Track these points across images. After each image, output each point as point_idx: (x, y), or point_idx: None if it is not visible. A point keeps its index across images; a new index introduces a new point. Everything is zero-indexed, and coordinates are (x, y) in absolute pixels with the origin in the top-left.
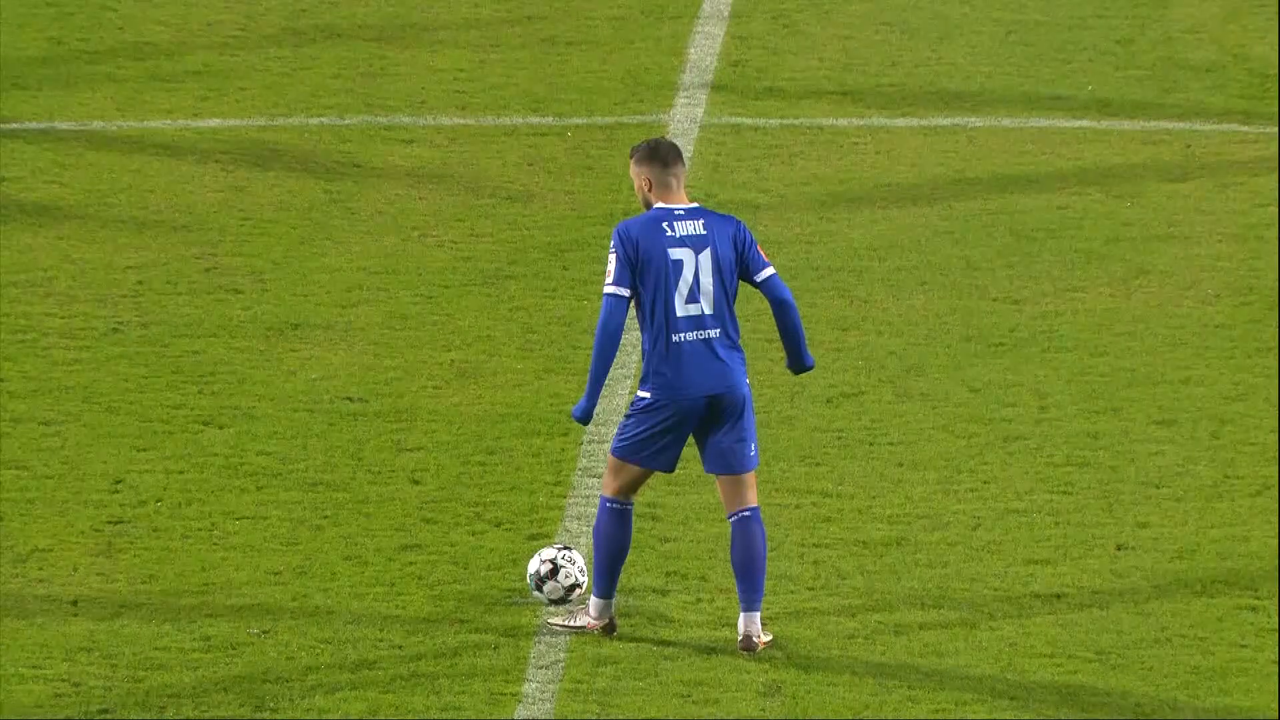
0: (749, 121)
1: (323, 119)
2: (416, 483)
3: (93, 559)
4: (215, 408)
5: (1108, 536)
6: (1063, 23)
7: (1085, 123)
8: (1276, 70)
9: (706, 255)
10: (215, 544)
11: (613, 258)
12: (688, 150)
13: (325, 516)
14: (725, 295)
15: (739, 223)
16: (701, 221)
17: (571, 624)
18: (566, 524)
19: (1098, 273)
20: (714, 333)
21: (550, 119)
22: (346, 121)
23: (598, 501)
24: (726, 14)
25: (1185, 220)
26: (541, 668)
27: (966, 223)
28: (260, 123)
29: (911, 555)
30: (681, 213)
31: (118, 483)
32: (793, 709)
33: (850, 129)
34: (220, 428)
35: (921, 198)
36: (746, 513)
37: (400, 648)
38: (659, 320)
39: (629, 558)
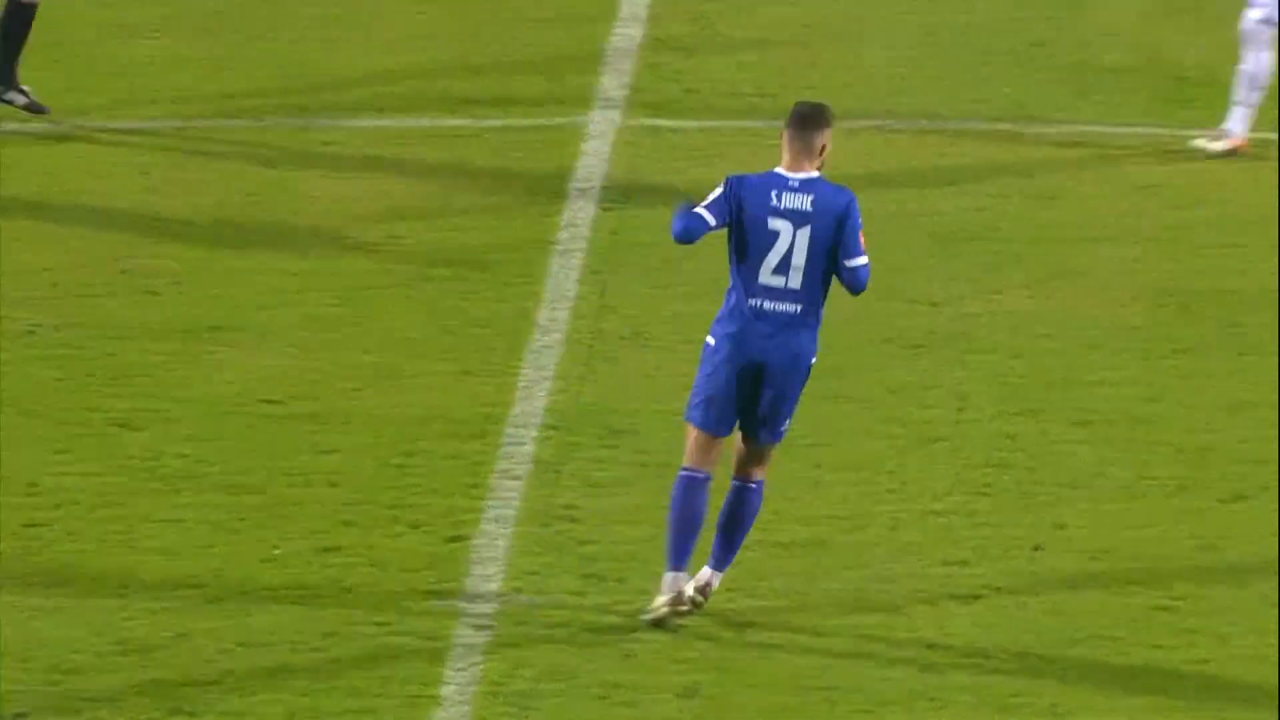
0: (668, 124)
1: (241, 120)
2: (334, 485)
3: (8, 562)
4: (132, 410)
5: (1025, 537)
6: (980, 25)
7: (1003, 125)
8: (1192, 74)
9: (805, 232)
10: (132, 547)
11: (716, 191)
12: (603, 153)
13: (242, 519)
14: (816, 273)
15: (851, 201)
16: (812, 197)
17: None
18: (485, 526)
19: (1016, 274)
20: (792, 307)
21: (468, 121)
22: (265, 123)
23: (516, 504)
24: (645, 16)
25: (1101, 222)
26: (460, 670)
27: (885, 224)
28: (178, 124)
29: (830, 557)
30: (796, 184)
31: (33, 486)
32: (711, 711)
33: (769, 131)
34: (137, 430)
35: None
36: (752, 484)
37: (318, 650)
38: (742, 280)
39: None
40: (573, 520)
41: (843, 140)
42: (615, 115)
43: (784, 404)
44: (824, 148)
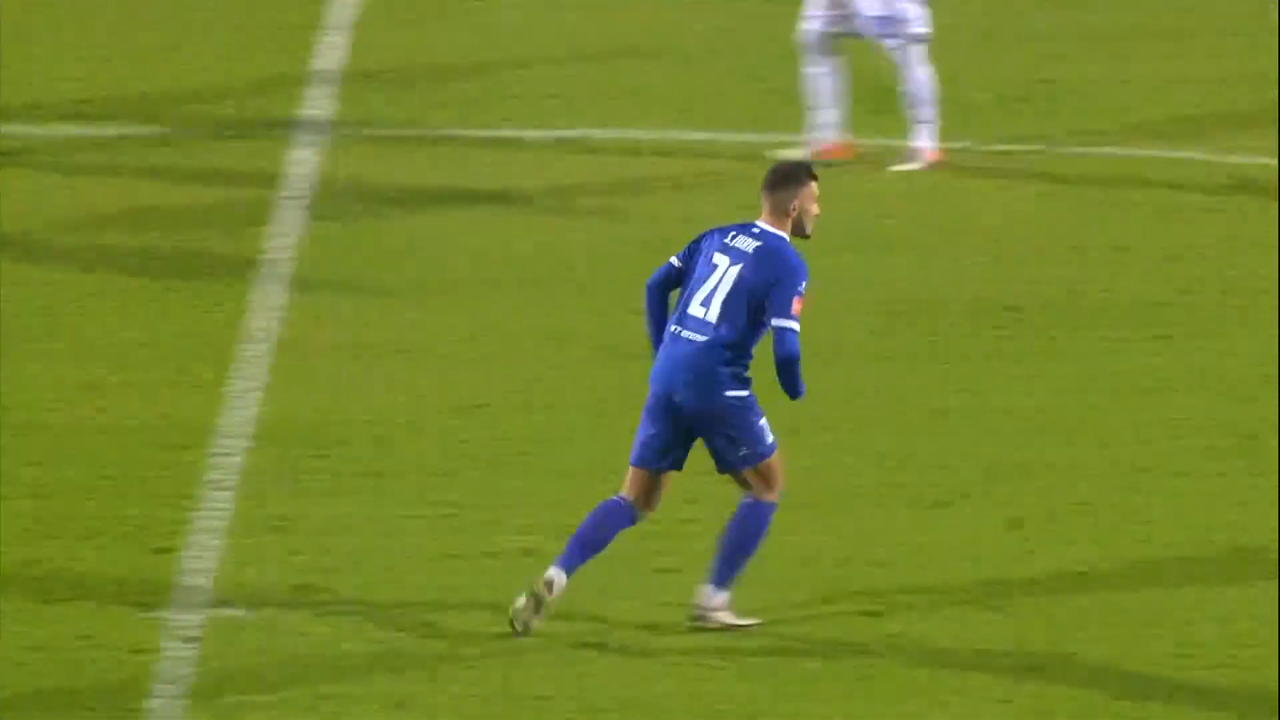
0: (377, 131)
1: None
2: (39, 497)
3: None
4: None
5: None
6: (692, 38)
7: (705, 135)
8: (895, 85)
9: (736, 270)
10: None
11: None
12: (312, 163)
13: None
14: (736, 314)
15: (793, 268)
16: (759, 245)
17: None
18: (193, 537)
19: None
20: (701, 339)
21: (176, 130)
22: None
23: (227, 515)
24: (353, 28)
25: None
26: (167, 684)
27: (593, 233)
28: None
29: (541, 566)
30: (756, 231)
31: None
32: None
33: (476, 140)
34: None
35: (550, 208)
36: (749, 499)
37: (22, 665)
38: (677, 308)
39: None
40: (282, 531)
41: (539, 151)
42: (325, 126)
43: (726, 442)
44: (794, 206)
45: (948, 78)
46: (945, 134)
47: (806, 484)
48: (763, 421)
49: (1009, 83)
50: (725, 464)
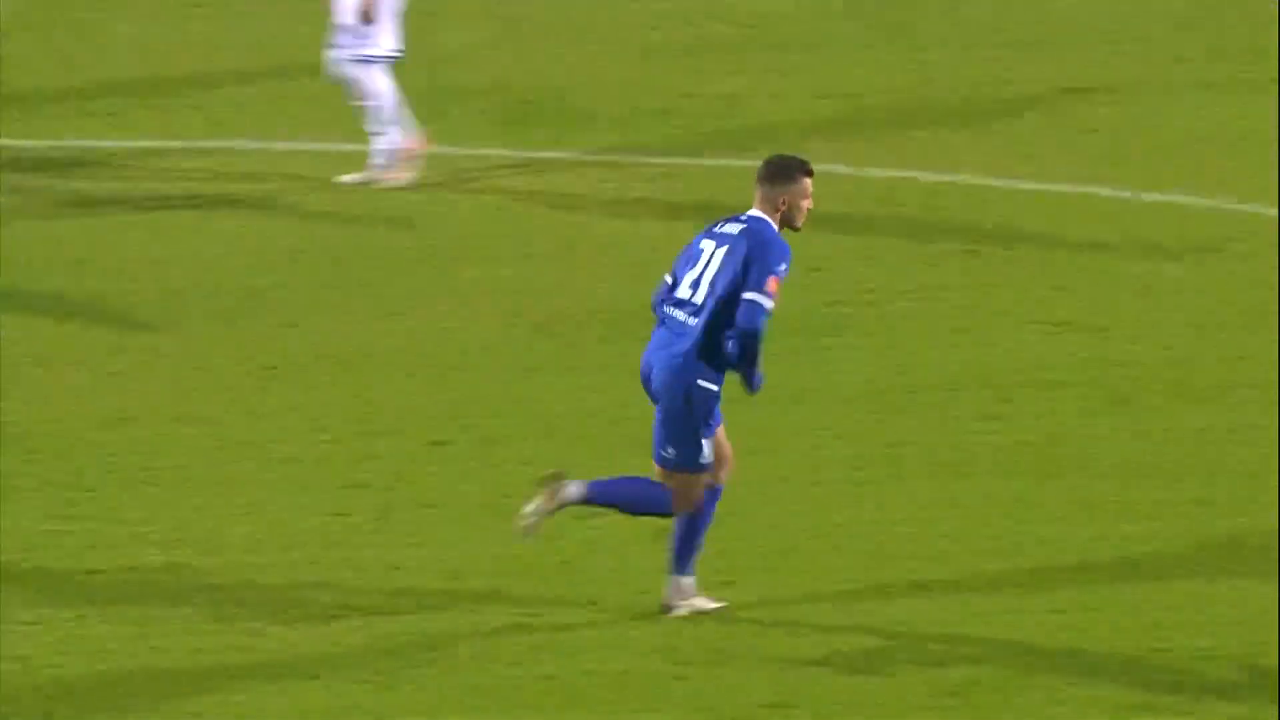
0: (15, 142)
1: None
2: None
3: None
4: None
5: (383, 558)
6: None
7: (351, 146)
8: (540, 96)
9: (721, 252)
10: None
11: None
12: None
13: None
14: (722, 296)
15: (774, 247)
16: (743, 227)
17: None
18: None
19: (375, 298)
20: (689, 319)
21: None
22: None
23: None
24: None
25: (456, 244)
26: None
27: (240, 244)
28: None
29: (187, 579)
30: (744, 218)
31: None
32: None
33: (120, 150)
34: None
35: (193, 219)
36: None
37: None
38: (669, 291)
39: None
40: None
41: (181, 158)
42: None
43: (666, 425)
44: (784, 201)
45: (598, 91)
46: (591, 145)
47: (453, 496)
48: (706, 441)
49: (657, 94)
50: (656, 453)
